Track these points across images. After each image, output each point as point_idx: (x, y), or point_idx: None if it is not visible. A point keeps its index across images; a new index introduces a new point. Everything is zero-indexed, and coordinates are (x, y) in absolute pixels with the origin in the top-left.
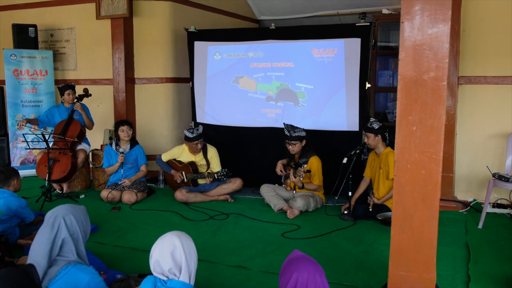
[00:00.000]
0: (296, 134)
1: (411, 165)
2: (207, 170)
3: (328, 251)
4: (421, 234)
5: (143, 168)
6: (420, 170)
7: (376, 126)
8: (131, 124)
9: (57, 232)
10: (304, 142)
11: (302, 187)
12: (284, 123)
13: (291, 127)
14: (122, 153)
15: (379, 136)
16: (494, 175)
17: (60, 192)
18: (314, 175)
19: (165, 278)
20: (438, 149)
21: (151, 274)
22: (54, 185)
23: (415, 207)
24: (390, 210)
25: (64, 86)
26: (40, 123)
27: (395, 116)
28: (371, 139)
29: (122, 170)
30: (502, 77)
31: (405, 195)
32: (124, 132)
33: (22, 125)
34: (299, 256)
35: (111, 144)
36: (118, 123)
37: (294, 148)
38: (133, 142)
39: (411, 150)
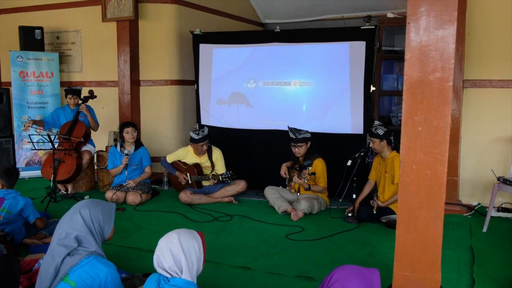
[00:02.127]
0: (301, 136)
1: (416, 166)
2: (211, 172)
3: (332, 253)
4: (426, 235)
5: (147, 169)
6: (425, 171)
7: (381, 132)
8: (136, 126)
9: (73, 224)
10: (309, 143)
11: (309, 189)
12: (288, 127)
13: (296, 130)
14: (127, 154)
15: (384, 141)
16: (499, 179)
17: (65, 193)
18: (319, 177)
19: (168, 276)
20: (444, 150)
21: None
22: (59, 186)
23: (420, 207)
24: (394, 213)
25: (68, 90)
26: (46, 125)
27: (399, 120)
28: (376, 144)
29: (126, 171)
30: (508, 81)
31: (410, 196)
32: (129, 134)
33: (28, 126)
34: (358, 267)
35: (115, 146)
36: (122, 125)
37: (300, 150)
38: (138, 143)
39: (416, 151)
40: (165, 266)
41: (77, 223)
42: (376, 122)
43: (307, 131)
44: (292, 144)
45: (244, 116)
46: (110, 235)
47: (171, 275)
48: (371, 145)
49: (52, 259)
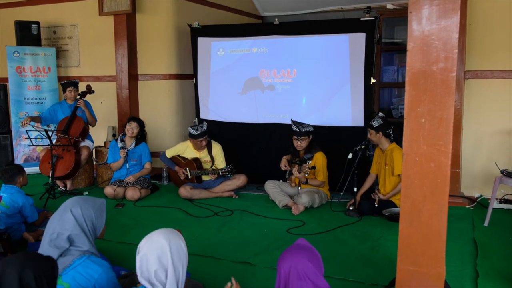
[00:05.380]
0: (305, 130)
1: (419, 158)
2: (211, 166)
3: (333, 247)
4: (430, 228)
5: (147, 165)
6: (429, 163)
7: (376, 124)
8: (141, 123)
9: (64, 224)
10: (310, 137)
11: (306, 183)
12: (291, 120)
13: (299, 123)
14: (123, 148)
15: (380, 133)
16: (502, 171)
17: (64, 189)
18: (318, 171)
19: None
20: (447, 142)
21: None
22: (58, 182)
23: (423, 200)
24: (396, 206)
25: (67, 83)
26: (43, 120)
27: (400, 112)
28: (372, 136)
29: (127, 164)
30: (509, 72)
31: (413, 189)
32: (130, 127)
33: (26, 123)
34: (290, 247)
35: (116, 140)
36: (128, 118)
37: (302, 143)
38: (139, 139)
39: (419, 143)
40: (151, 275)
41: (68, 223)
42: (379, 114)
43: (309, 125)
44: (295, 137)
45: (244, 110)
46: (102, 232)
47: (154, 284)
48: (368, 136)
49: None
